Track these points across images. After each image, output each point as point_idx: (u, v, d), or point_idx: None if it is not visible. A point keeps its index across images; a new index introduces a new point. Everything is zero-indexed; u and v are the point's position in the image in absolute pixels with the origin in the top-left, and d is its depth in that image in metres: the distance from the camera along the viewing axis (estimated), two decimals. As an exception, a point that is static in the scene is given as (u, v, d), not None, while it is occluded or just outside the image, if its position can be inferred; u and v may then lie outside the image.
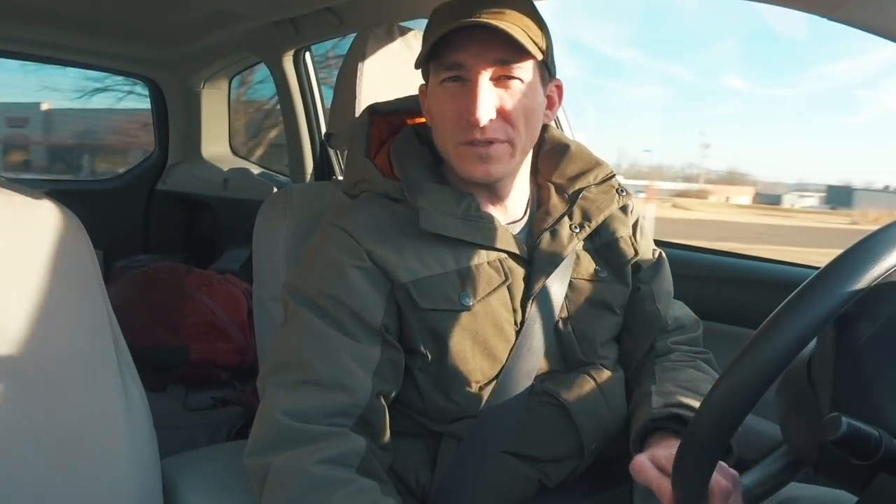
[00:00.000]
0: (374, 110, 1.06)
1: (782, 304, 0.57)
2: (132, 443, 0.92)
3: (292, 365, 0.85)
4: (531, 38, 0.87)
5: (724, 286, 1.44)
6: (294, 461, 0.78)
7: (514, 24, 0.85)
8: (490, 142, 0.88)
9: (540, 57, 0.88)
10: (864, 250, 0.56)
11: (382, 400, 0.88)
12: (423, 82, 0.96)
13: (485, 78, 0.86)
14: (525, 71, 0.88)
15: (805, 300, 0.56)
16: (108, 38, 2.47)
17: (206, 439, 1.12)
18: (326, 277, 0.88)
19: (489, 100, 0.86)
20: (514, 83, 0.88)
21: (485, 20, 0.83)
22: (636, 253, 1.03)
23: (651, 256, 1.07)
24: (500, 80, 0.87)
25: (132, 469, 0.91)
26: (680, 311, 1.10)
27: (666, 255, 1.11)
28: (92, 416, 0.89)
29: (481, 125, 0.86)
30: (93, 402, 0.89)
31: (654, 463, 0.75)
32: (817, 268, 0.59)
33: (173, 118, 3.02)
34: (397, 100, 1.06)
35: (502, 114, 0.87)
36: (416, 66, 0.93)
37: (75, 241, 0.91)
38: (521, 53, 0.86)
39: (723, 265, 1.49)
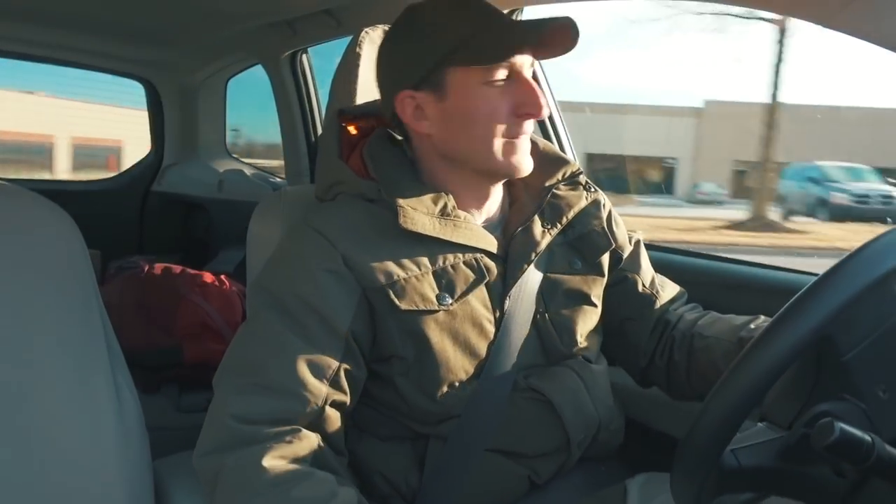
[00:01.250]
0: (343, 113, 1.05)
1: (781, 310, 0.57)
2: (124, 443, 0.92)
3: (246, 366, 0.85)
4: None
5: (712, 291, 1.45)
6: (247, 459, 0.78)
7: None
8: (528, 134, 0.93)
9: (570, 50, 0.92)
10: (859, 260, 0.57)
11: (337, 410, 0.86)
12: (407, 90, 0.93)
13: (528, 73, 0.91)
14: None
15: (803, 307, 0.56)
16: (103, 37, 2.47)
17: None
18: (297, 279, 0.88)
19: None
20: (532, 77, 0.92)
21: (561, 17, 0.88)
22: (612, 243, 1.05)
23: (629, 244, 1.09)
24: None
25: (123, 470, 0.91)
26: (668, 284, 1.13)
27: (655, 259, 1.14)
28: (83, 416, 0.89)
29: (541, 118, 0.93)
30: (84, 402, 0.89)
31: None
32: (812, 274, 0.59)
33: (169, 119, 3.02)
34: (366, 103, 1.06)
35: None
36: (428, 69, 0.90)
37: (69, 241, 0.91)
38: (564, 50, 0.91)
39: (712, 270, 1.49)
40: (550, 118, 1.67)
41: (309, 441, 0.82)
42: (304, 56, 2.24)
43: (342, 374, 0.86)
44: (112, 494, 0.90)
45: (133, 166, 3.22)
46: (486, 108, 0.89)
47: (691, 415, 1.31)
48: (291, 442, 0.80)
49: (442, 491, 0.92)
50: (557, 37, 0.89)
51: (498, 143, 0.90)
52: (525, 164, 0.93)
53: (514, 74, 0.89)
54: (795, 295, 0.59)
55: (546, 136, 1.63)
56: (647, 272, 1.10)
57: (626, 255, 1.07)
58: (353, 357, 0.88)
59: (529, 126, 0.92)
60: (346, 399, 0.88)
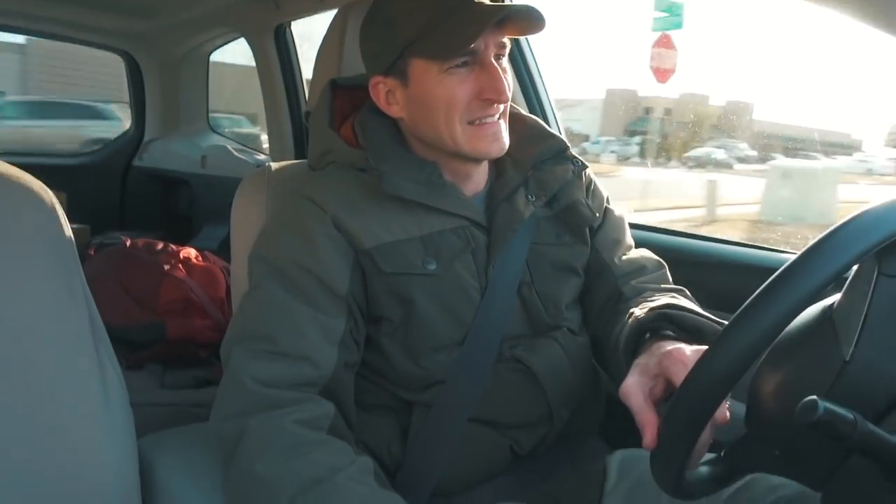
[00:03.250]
0: (336, 85, 1.06)
1: (759, 288, 0.58)
2: (108, 421, 0.91)
3: (258, 336, 0.87)
4: None
5: (698, 270, 1.46)
6: (271, 422, 0.82)
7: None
8: (497, 118, 0.92)
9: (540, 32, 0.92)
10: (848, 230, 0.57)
11: (347, 371, 0.90)
12: (378, 75, 0.94)
13: (492, 58, 0.90)
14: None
15: (782, 286, 0.57)
16: (83, 9, 2.42)
17: (184, 418, 1.11)
18: (293, 246, 0.90)
19: None
20: (503, 60, 0.92)
21: (520, 4, 0.88)
22: (595, 215, 1.06)
23: (601, 214, 1.09)
24: (496, 59, 0.91)
25: (108, 447, 0.91)
26: (639, 254, 1.11)
27: (640, 239, 1.13)
28: (67, 393, 0.88)
29: (506, 103, 0.91)
30: (67, 379, 0.88)
31: (642, 381, 0.78)
32: (791, 252, 0.60)
33: (150, 93, 2.98)
34: (360, 75, 1.06)
35: None
36: (393, 56, 0.91)
37: (51, 216, 0.90)
38: (533, 30, 0.90)
39: (696, 249, 1.50)
40: (536, 94, 1.67)
41: (325, 408, 0.85)
42: (288, 30, 2.21)
43: (348, 335, 0.90)
44: (97, 472, 0.90)
45: (113, 141, 3.18)
46: (444, 96, 0.90)
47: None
48: (309, 408, 0.84)
49: (425, 460, 0.94)
50: (519, 21, 0.89)
51: (460, 130, 0.91)
52: (493, 148, 0.93)
53: (477, 60, 0.89)
54: (773, 274, 0.59)
55: (532, 111, 1.62)
56: (607, 238, 1.09)
57: (598, 225, 1.08)
58: (355, 318, 0.91)
59: (496, 110, 0.92)
60: (355, 359, 0.92)
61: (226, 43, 2.75)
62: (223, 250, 2.08)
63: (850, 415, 0.54)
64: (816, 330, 0.63)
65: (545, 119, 1.66)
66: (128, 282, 2.00)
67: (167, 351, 1.93)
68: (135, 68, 2.94)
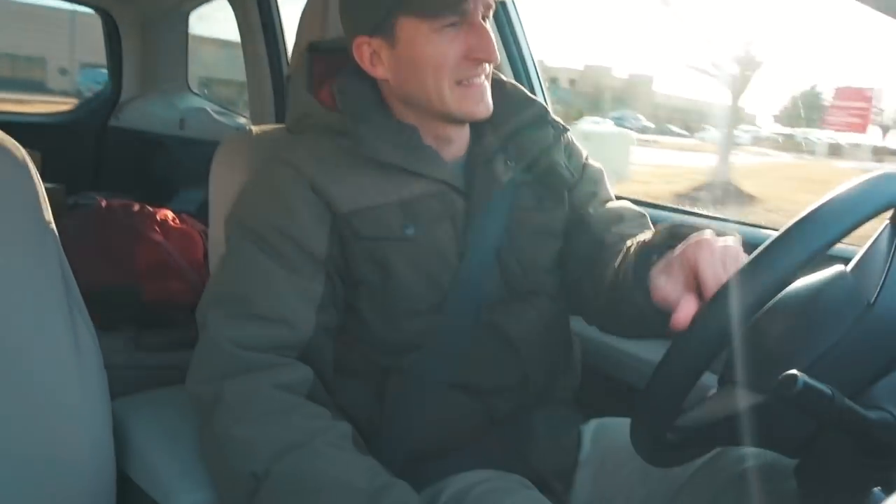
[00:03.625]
0: (315, 48, 1.05)
1: (744, 262, 0.58)
2: (81, 382, 0.91)
3: (235, 298, 0.87)
4: None
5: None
6: (246, 386, 0.82)
7: None
8: (484, 79, 0.92)
9: None
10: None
11: (326, 335, 0.90)
12: (363, 35, 0.92)
13: (480, 19, 0.89)
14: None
15: (767, 259, 0.58)
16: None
17: (160, 381, 1.11)
18: (271, 209, 0.90)
19: None
20: (488, 21, 0.91)
21: None
22: (574, 176, 1.05)
23: (579, 170, 1.08)
24: (482, 18, 0.90)
25: (81, 409, 0.90)
26: (618, 205, 1.08)
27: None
28: (39, 354, 0.88)
29: (493, 63, 0.91)
30: (40, 340, 0.88)
31: (672, 278, 0.75)
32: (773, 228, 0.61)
33: (128, 52, 2.91)
34: (340, 38, 1.04)
35: None
36: (380, 16, 0.89)
37: (24, 175, 0.88)
38: None
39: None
40: (523, 60, 1.66)
41: (304, 372, 0.86)
42: (271, -9, 2.17)
43: (327, 298, 0.90)
44: (70, 434, 0.90)
45: (88, 100, 3.12)
46: (433, 55, 0.89)
47: (649, 364, 1.35)
48: (287, 372, 0.84)
49: (402, 425, 0.95)
50: None
51: (449, 89, 0.90)
52: (480, 109, 0.93)
53: (465, 20, 0.88)
54: (759, 247, 0.60)
55: (517, 78, 1.61)
56: (588, 194, 1.07)
57: (575, 182, 1.07)
58: (333, 282, 0.91)
59: (483, 70, 0.91)
60: (334, 323, 0.92)
61: (206, 1, 2.69)
62: (201, 213, 2.05)
63: (828, 390, 0.55)
64: (833, 283, 0.66)
65: (531, 85, 1.65)
66: (103, 243, 1.97)
67: (143, 313, 1.92)
68: (112, 26, 2.87)
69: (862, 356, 0.63)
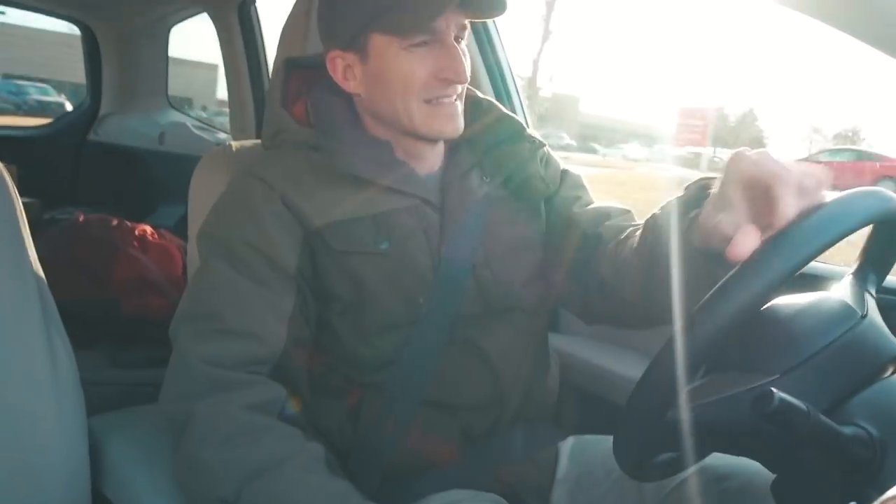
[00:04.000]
0: (292, 63, 1.05)
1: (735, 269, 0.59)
2: (57, 400, 0.90)
3: (205, 314, 0.86)
4: None
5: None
6: (217, 407, 0.81)
7: None
8: (454, 99, 0.92)
9: (501, 14, 0.92)
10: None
11: (298, 349, 0.89)
12: (336, 49, 0.93)
13: (452, 39, 0.89)
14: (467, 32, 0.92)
15: (756, 265, 0.58)
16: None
17: (137, 398, 1.09)
18: (241, 224, 0.90)
19: None
20: (462, 43, 0.92)
21: None
22: (549, 188, 1.06)
23: (557, 178, 1.08)
24: (456, 39, 0.90)
25: (56, 426, 0.89)
26: (603, 204, 1.07)
27: None
28: (15, 371, 0.86)
29: (464, 84, 0.91)
30: (16, 356, 0.86)
31: (732, 210, 0.63)
32: None
33: (107, 66, 2.89)
34: (316, 55, 1.05)
35: None
36: (354, 32, 0.90)
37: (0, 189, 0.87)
38: (495, 13, 0.90)
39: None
40: (503, 77, 1.68)
41: (276, 392, 0.85)
42: (253, 7, 2.17)
43: (298, 313, 0.89)
44: (46, 452, 0.88)
45: (67, 114, 3.09)
46: (403, 73, 0.89)
47: (627, 379, 1.35)
48: (259, 391, 0.83)
49: (376, 443, 0.94)
50: (481, 3, 0.89)
51: (417, 108, 0.90)
52: (448, 128, 0.93)
53: (437, 39, 0.89)
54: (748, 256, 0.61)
55: (497, 95, 1.63)
56: (572, 198, 1.07)
57: (554, 189, 1.08)
58: (304, 296, 0.90)
59: (454, 90, 0.91)
60: (306, 337, 0.91)
61: (188, 17, 2.69)
62: (180, 229, 2.04)
63: (803, 406, 0.56)
64: (824, 299, 0.67)
65: (511, 102, 1.66)
66: (80, 258, 1.95)
67: (120, 329, 1.90)
68: (91, 39, 2.86)
69: (841, 370, 0.64)
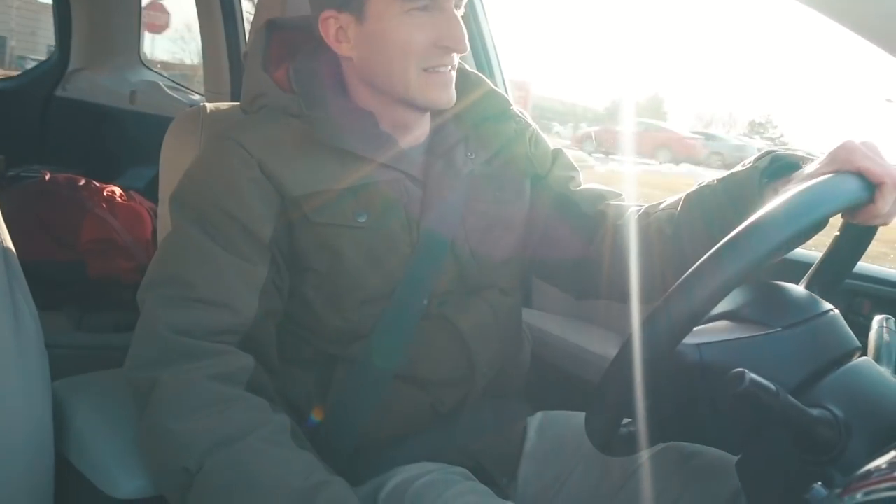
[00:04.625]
0: (275, 25, 1.02)
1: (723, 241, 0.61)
2: (20, 362, 0.88)
3: (175, 280, 0.85)
4: None
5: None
6: (183, 376, 0.80)
7: None
8: (451, 68, 0.91)
9: None
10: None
11: (269, 320, 0.89)
12: (330, 9, 0.91)
13: (452, 6, 0.88)
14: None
15: (743, 237, 0.60)
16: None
17: (103, 363, 1.08)
18: (217, 189, 0.88)
19: None
20: (460, 10, 0.90)
21: None
22: (534, 168, 1.06)
23: (548, 158, 1.08)
24: (454, 6, 0.89)
25: (19, 389, 0.88)
26: (595, 185, 1.10)
27: None
28: (-24, 332, 0.84)
29: (464, 53, 0.90)
30: (-23, 317, 0.84)
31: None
32: None
33: (77, 19, 2.80)
34: (300, 17, 1.02)
35: None
36: None
37: None
38: None
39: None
40: (485, 51, 1.66)
41: (244, 361, 0.84)
42: (230, -36, 2.12)
43: (270, 283, 0.88)
44: (7, 414, 0.87)
45: (34, 67, 3.00)
46: (402, 37, 0.87)
47: (598, 356, 1.37)
48: (227, 361, 0.82)
49: (347, 416, 0.94)
50: None
51: (414, 74, 0.89)
52: (443, 98, 0.92)
53: (437, 5, 0.87)
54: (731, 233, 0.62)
55: (479, 69, 1.61)
56: (567, 178, 1.08)
57: (546, 169, 1.08)
58: (278, 266, 0.89)
59: (451, 59, 0.90)
60: (277, 308, 0.90)
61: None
62: (150, 191, 2.01)
63: (772, 386, 0.57)
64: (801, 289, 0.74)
65: (492, 76, 1.65)
66: (46, 217, 1.92)
67: (87, 292, 1.87)
68: (61, -9, 2.76)
69: (814, 347, 0.67)
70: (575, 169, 1.10)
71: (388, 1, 0.86)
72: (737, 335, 0.70)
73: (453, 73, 0.92)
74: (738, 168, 0.88)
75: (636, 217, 0.98)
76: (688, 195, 0.93)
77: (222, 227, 0.86)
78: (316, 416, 0.95)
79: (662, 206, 0.97)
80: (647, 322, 0.61)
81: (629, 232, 0.97)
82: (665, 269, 0.92)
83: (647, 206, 1.00)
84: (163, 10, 4.56)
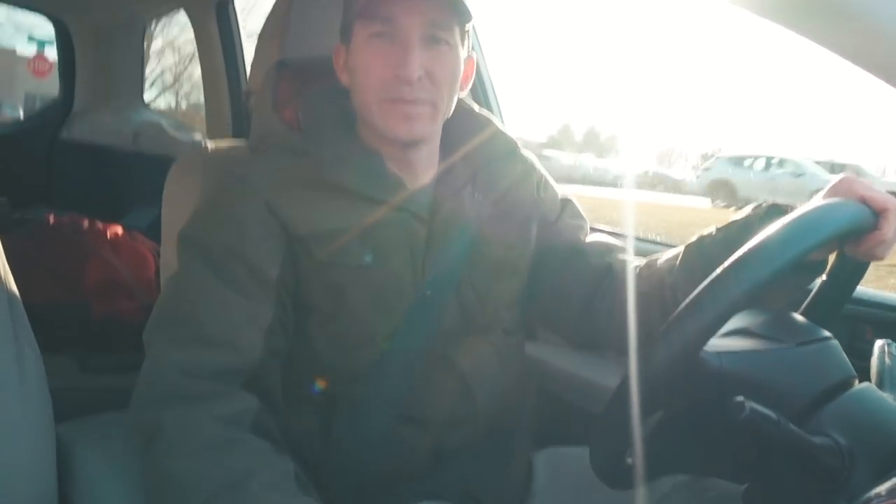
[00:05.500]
0: (284, 65, 1.03)
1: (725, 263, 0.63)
2: (23, 406, 0.87)
3: (181, 320, 0.85)
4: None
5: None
6: (186, 418, 0.79)
7: None
8: (415, 101, 0.86)
9: (470, 22, 0.89)
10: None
11: (274, 360, 0.88)
12: (339, 41, 0.93)
13: (415, 36, 0.85)
14: (452, 35, 0.88)
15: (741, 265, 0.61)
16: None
17: (107, 405, 1.07)
18: (224, 228, 0.88)
19: (420, 58, 0.85)
20: (442, 46, 0.87)
21: None
22: (540, 210, 1.05)
23: (557, 205, 1.08)
24: (430, 42, 0.86)
25: (23, 434, 0.87)
26: (601, 237, 1.09)
27: None
28: (-21, 377, 0.84)
29: (412, 83, 0.85)
30: (-19, 362, 0.84)
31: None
32: None
33: (81, 62, 2.84)
34: (310, 57, 1.03)
35: (430, 75, 0.86)
36: (346, 22, 0.90)
37: None
38: (456, 15, 0.86)
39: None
40: (483, 88, 1.67)
41: (247, 403, 0.82)
42: (231, 5, 2.15)
43: (277, 323, 0.87)
44: (10, 460, 0.86)
45: (39, 111, 3.03)
46: (361, 64, 0.87)
47: (601, 387, 1.35)
48: (231, 402, 0.81)
49: (348, 457, 0.92)
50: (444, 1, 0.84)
51: (376, 103, 0.87)
52: (402, 130, 0.87)
53: (397, 32, 0.85)
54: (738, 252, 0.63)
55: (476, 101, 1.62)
56: (576, 227, 1.08)
57: (555, 216, 1.07)
58: (284, 306, 0.89)
59: (410, 92, 0.85)
60: (282, 347, 0.89)
61: (164, 13, 2.66)
62: (153, 231, 2.01)
63: (773, 415, 0.56)
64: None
65: (489, 111, 1.66)
66: (51, 260, 1.92)
67: (91, 333, 1.87)
68: (65, 34, 2.80)
69: (817, 369, 0.67)
70: (583, 218, 1.10)
71: (361, 27, 0.87)
72: (753, 347, 0.70)
73: (422, 108, 0.87)
74: (737, 217, 0.89)
75: (639, 269, 0.99)
76: (688, 246, 0.94)
77: (229, 266, 0.86)
78: (317, 456, 0.93)
79: (664, 257, 0.98)
80: (665, 331, 0.62)
81: (633, 284, 0.97)
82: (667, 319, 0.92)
83: (648, 258, 1.01)
84: (45, 59, 4.97)
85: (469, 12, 0.86)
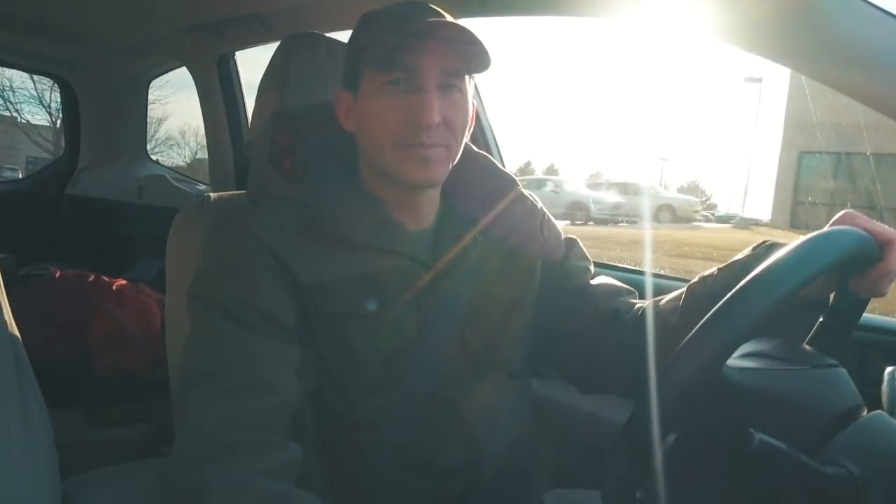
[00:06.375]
0: (280, 116, 1.04)
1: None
2: (29, 462, 0.87)
3: (213, 374, 0.82)
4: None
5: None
6: (231, 476, 0.75)
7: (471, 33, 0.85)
8: (433, 145, 0.87)
9: (484, 70, 0.89)
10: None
11: (308, 402, 0.86)
12: (342, 87, 0.94)
13: (433, 84, 0.85)
14: (464, 83, 0.89)
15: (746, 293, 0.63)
16: (16, 32, 2.35)
17: (113, 458, 1.06)
18: (234, 281, 0.86)
19: (439, 106, 0.85)
20: (455, 93, 0.88)
21: (451, 21, 0.84)
22: (543, 251, 1.05)
23: (561, 245, 1.08)
24: (445, 89, 0.87)
25: (28, 490, 0.86)
26: (607, 280, 1.09)
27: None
28: (-14, 433, 0.84)
29: (431, 129, 0.85)
30: (-13, 418, 0.84)
31: None
32: None
33: (85, 120, 2.89)
34: (305, 108, 1.05)
35: (446, 121, 0.87)
36: (352, 68, 0.91)
37: None
38: (476, 65, 0.87)
39: (660, 286, 1.53)
40: (483, 133, 1.69)
41: (292, 454, 0.79)
42: (232, 60, 2.20)
43: (306, 363, 0.86)
44: (16, 515, 0.85)
45: (45, 168, 3.08)
46: (377, 111, 0.87)
47: (607, 422, 1.34)
48: (275, 455, 0.78)
49: None
50: (457, 47, 0.84)
51: (389, 149, 0.88)
52: (418, 175, 0.88)
53: (414, 81, 0.85)
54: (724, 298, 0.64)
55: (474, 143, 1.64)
56: (582, 269, 1.07)
57: (560, 257, 1.07)
58: (307, 346, 0.87)
59: (427, 136, 0.86)
60: (313, 390, 0.87)
61: (167, 71, 2.71)
62: (159, 282, 2.02)
63: (783, 446, 0.56)
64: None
65: (489, 152, 1.68)
66: (56, 315, 1.92)
67: (96, 386, 1.86)
68: (69, 94, 2.86)
69: (828, 394, 0.67)
70: (588, 260, 1.10)
71: (372, 75, 0.87)
72: (772, 366, 0.71)
73: (435, 151, 0.88)
74: (738, 256, 0.91)
75: (643, 312, 0.99)
76: (690, 286, 0.95)
77: (244, 316, 0.84)
78: None
79: (667, 298, 0.98)
80: (687, 344, 0.62)
81: (639, 328, 0.97)
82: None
83: (652, 300, 1.01)
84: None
85: (489, 61, 0.87)
